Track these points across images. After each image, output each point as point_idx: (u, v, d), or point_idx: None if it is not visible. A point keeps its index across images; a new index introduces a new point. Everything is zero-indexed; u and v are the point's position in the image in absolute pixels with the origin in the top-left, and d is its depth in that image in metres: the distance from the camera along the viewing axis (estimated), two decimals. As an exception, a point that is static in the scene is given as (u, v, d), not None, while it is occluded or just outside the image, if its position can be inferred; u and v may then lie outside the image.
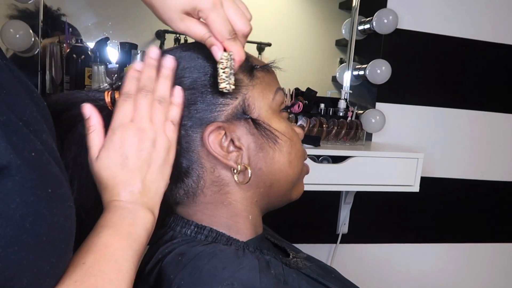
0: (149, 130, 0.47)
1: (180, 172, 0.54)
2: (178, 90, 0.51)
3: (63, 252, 0.35)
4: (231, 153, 0.53)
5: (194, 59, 0.53)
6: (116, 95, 0.51)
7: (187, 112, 0.52)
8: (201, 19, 0.50)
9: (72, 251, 0.38)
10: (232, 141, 0.53)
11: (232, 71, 0.49)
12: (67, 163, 0.51)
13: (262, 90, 0.55)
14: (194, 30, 0.49)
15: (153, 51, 0.52)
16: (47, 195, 0.32)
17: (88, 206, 0.52)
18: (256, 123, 0.54)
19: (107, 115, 0.50)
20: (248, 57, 0.56)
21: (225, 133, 0.52)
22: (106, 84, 1.16)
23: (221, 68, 0.49)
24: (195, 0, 0.47)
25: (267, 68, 0.58)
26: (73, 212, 0.37)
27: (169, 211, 0.60)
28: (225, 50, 0.50)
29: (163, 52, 0.54)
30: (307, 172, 0.63)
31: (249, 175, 0.53)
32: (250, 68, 0.55)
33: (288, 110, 0.63)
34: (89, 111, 0.48)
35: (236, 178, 0.53)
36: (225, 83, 0.49)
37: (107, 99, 0.51)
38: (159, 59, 0.52)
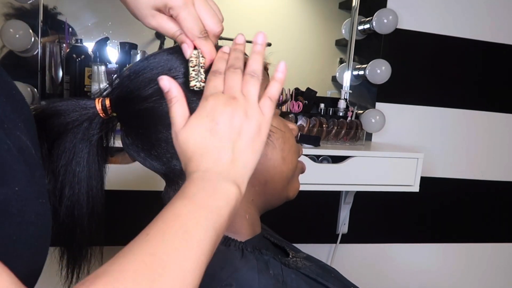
0: (241, 100, 0.44)
1: (173, 174, 0.53)
2: (282, 65, 0.48)
3: (38, 249, 0.35)
4: None
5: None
6: (107, 102, 0.51)
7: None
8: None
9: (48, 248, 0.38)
10: None
11: (201, 69, 0.49)
12: (57, 170, 0.50)
13: None
14: (165, 26, 0.49)
15: (240, 38, 0.51)
16: (14, 193, 0.31)
17: (80, 212, 0.51)
18: None
19: (103, 122, 0.50)
20: None
21: None
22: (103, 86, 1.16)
23: (191, 67, 0.49)
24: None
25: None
26: (47, 209, 0.36)
27: None
28: (196, 48, 0.49)
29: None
30: (303, 170, 0.63)
31: None
32: None
33: (280, 107, 0.62)
34: (168, 83, 0.46)
35: None
36: (195, 81, 0.48)
37: (98, 106, 0.50)
38: (245, 45, 0.51)
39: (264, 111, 0.45)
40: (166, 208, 0.38)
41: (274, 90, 0.47)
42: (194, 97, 0.49)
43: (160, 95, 0.49)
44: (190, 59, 0.49)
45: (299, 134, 1.27)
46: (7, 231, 0.31)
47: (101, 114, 0.51)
